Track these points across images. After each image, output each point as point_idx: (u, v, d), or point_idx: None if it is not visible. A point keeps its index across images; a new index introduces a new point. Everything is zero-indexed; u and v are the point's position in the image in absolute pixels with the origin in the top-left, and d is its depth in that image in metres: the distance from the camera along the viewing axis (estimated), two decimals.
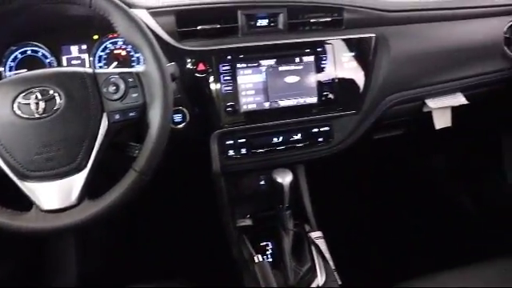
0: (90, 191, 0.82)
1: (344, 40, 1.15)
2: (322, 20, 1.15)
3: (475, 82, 1.33)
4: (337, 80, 1.15)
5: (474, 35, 1.33)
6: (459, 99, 1.31)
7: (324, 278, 1.10)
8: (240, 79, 1.08)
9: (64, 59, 1.10)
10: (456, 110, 1.33)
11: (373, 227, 1.84)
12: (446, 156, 2.06)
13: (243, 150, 1.14)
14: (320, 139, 1.19)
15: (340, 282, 1.12)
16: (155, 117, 0.84)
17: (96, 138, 0.81)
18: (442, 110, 1.30)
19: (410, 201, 1.97)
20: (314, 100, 1.14)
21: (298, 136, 1.17)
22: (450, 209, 1.97)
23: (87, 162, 0.80)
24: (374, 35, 1.17)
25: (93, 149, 0.81)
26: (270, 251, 1.16)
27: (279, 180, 1.08)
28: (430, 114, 1.31)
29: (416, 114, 1.32)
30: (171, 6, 1.08)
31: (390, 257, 1.71)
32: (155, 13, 1.06)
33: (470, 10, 1.34)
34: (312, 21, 1.15)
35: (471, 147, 1.91)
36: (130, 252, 1.68)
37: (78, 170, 0.80)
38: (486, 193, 1.92)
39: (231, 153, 1.14)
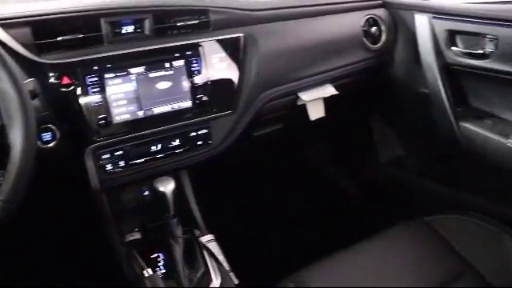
0: None
1: (213, 41, 1.15)
2: (189, 23, 1.13)
3: (342, 73, 1.41)
4: (209, 82, 1.14)
5: (337, 29, 1.41)
6: (329, 90, 1.38)
7: (219, 281, 1.09)
8: (109, 90, 1.03)
9: None
10: (329, 101, 1.40)
11: (264, 221, 1.87)
12: (326, 144, 2.17)
13: (121, 163, 1.10)
14: (199, 143, 1.18)
15: (237, 282, 1.12)
16: (16, 139, 0.77)
17: None
18: (314, 101, 1.36)
19: (297, 191, 2.04)
20: (188, 104, 1.12)
21: (177, 142, 1.15)
22: (335, 194, 2.08)
23: None
24: (242, 35, 1.18)
25: None
26: (161, 262, 1.13)
27: (161, 189, 1.06)
28: (304, 107, 1.37)
29: (291, 107, 1.37)
30: (25, 17, 0.98)
31: (284, 248, 1.76)
32: (6, 24, 0.96)
33: (330, 6, 1.41)
34: (179, 24, 1.13)
35: (347, 133, 2.02)
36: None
37: None
38: (363, 174, 2.05)
39: (109, 167, 1.09)
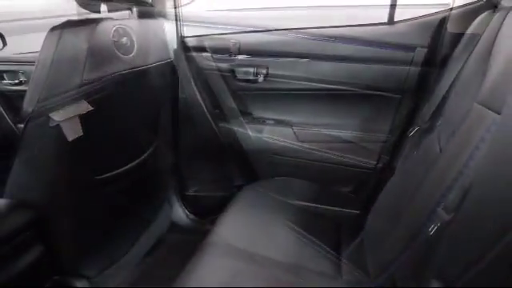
0: None
1: None
2: None
3: (97, 87, 1.34)
4: None
5: (83, 43, 1.33)
6: (84, 106, 1.30)
7: None
8: None
9: None
10: (87, 117, 1.32)
11: None
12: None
13: None
14: None
15: None
16: None
17: None
18: (69, 120, 1.27)
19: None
20: None
21: None
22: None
23: None
24: None
25: None
26: None
27: None
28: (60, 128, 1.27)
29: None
30: None
31: None
32: None
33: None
34: None
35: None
36: None
37: None
38: None
39: None
